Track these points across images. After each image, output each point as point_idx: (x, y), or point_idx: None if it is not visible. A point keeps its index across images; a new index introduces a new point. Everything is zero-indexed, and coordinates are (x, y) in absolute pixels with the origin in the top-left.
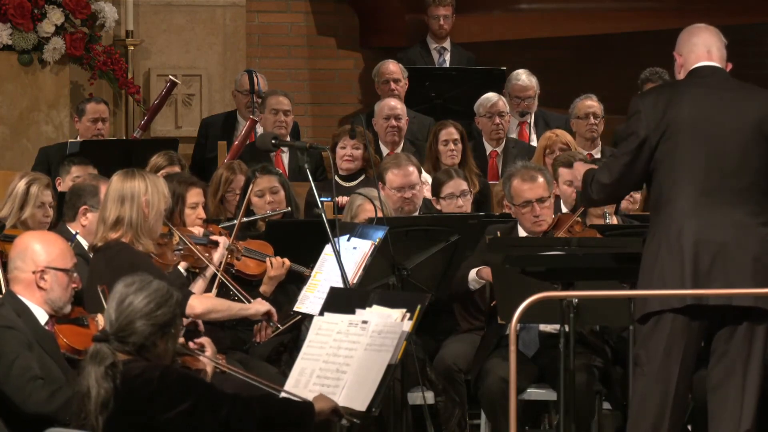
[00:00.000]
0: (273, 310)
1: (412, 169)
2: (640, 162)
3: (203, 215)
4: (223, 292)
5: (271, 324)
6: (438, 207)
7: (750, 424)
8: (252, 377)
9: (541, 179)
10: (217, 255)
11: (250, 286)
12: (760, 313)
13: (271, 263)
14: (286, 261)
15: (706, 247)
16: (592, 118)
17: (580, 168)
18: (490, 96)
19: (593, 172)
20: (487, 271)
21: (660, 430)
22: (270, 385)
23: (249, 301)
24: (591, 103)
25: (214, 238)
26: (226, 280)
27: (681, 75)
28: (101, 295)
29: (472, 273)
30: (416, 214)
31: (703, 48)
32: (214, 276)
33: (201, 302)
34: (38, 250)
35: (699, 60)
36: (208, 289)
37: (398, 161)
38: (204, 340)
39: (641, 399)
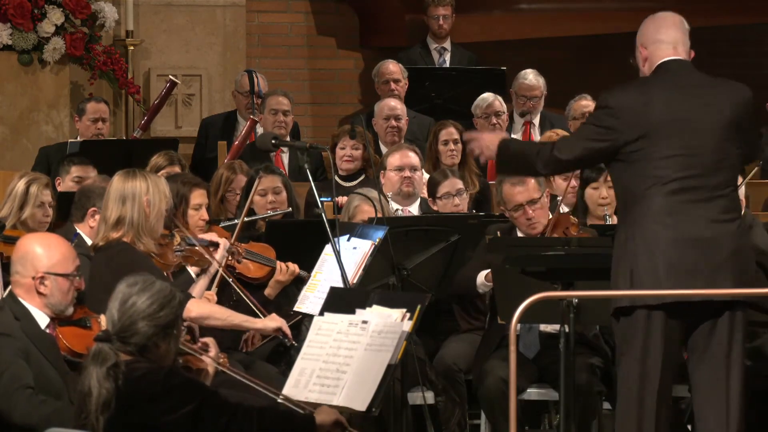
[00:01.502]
0: (285, 325)
1: (412, 154)
2: (603, 154)
3: (206, 217)
4: (226, 294)
5: (286, 341)
6: (435, 207)
7: (737, 423)
8: (252, 380)
9: (531, 181)
10: (218, 256)
11: (250, 288)
12: (739, 307)
13: (280, 268)
14: (296, 267)
15: (684, 245)
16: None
17: (487, 138)
18: (486, 96)
19: (537, 146)
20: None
21: (647, 427)
22: (268, 388)
23: (259, 309)
24: (586, 103)
25: (214, 239)
26: (235, 284)
27: (645, 67)
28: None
29: (481, 277)
30: (417, 202)
31: (668, 46)
32: (214, 278)
33: (198, 306)
34: (38, 255)
35: (665, 56)
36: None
37: (399, 146)
38: (208, 339)
39: (625, 398)
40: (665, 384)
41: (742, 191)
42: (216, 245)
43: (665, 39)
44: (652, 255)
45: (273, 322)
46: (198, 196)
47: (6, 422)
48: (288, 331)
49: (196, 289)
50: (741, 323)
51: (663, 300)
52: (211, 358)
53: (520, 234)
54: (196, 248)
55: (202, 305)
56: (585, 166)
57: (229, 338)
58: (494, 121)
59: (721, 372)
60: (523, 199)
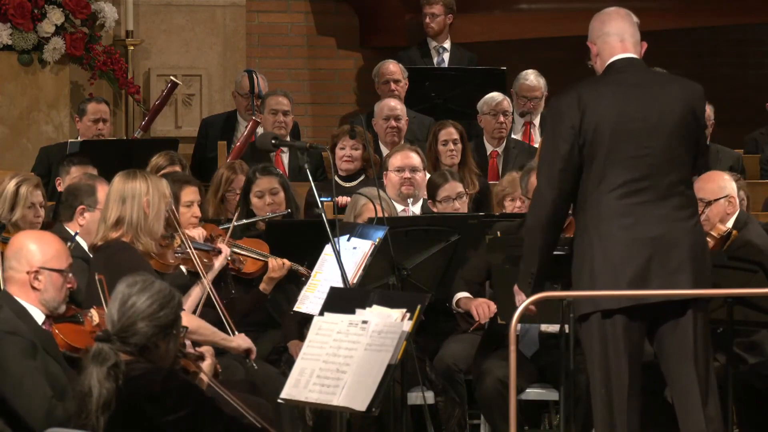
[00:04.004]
0: (254, 348)
1: (413, 154)
2: (576, 165)
3: (198, 214)
4: (224, 291)
5: (247, 361)
6: (434, 209)
7: (715, 416)
8: (238, 402)
9: None
10: (218, 264)
11: (244, 283)
12: (699, 302)
13: (273, 265)
14: (287, 262)
15: (639, 245)
16: None
17: (517, 294)
18: (495, 95)
19: (528, 215)
20: (465, 302)
21: (619, 425)
22: (252, 414)
23: (233, 332)
24: None
25: (218, 246)
26: (219, 305)
27: (597, 64)
28: (98, 285)
29: (456, 297)
30: (420, 202)
31: (616, 38)
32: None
33: (187, 319)
34: (33, 251)
35: (614, 53)
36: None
37: (401, 147)
38: (205, 348)
39: (597, 400)
40: (633, 383)
41: (733, 189)
42: (218, 252)
43: (611, 31)
44: (609, 257)
45: (244, 342)
46: (189, 194)
47: (21, 422)
48: (254, 353)
49: (189, 301)
50: (702, 320)
51: (622, 303)
52: (205, 373)
53: None
54: (200, 254)
55: (191, 319)
56: (574, 178)
57: None
58: (501, 119)
59: (691, 371)
60: None
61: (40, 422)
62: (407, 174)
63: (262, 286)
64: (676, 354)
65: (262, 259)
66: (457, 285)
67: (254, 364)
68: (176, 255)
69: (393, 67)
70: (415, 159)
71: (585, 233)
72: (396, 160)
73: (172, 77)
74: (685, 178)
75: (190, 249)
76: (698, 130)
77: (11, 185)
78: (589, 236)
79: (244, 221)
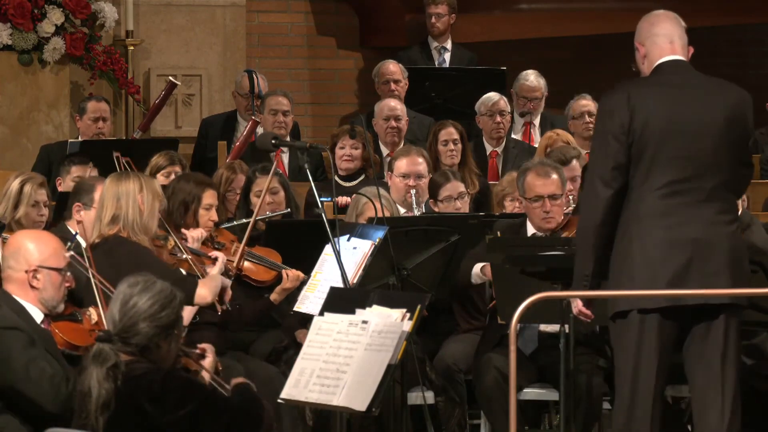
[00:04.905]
0: (229, 291)
1: (420, 160)
2: (626, 163)
3: (215, 217)
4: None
5: (222, 303)
6: (436, 209)
7: (734, 424)
8: None
9: (555, 176)
10: (216, 269)
11: (255, 291)
12: (734, 310)
13: (287, 275)
14: (301, 274)
15: (679, 246)
16: (587, 116)
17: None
18: (492, 95)
19: (580, 219)
20: (489, 270)
21: (640, 427)
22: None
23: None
24: (585, 102)
25: (213, 254)
26: (172, 234)
27: (644, 66)
28: (83, 253)
29: (476, 267)
30: (422, 207)
31: (665, 39)
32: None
33: (209, 289)
34: (31, 250)
35: (663, 54)
36: None
37: (408, 151)
38: (206, 346)
39: (620, 398)
40: (659, 385)
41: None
42: (214, 260)
43: (661, 32)
44: (648, 257)
45: (227, 282)
46: (210, 197)
47: (40, 412)
48: (228, 295)
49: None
50: (735, 326)
51: (659, 303)
52: (207, 370)
53: (530, 228)
54: (194, 258)
55: (210, 286)
56: (626, 176)
57: (229, 339)
58: (498, 119)
59: (717, 374)
60: (544, 192)
61: (51, 402)
62: (412, 182)
63: (273, 297)
64: (703, 358)
65: (276, 269)
66: (466, 264)
67: (228, 306)
68: (171, 255)
69: (393, 67)
70: (421, 166)
71: (626, 231)
72: (402, 165)
73: (170, 77)
74: (728, 182)
75: (184, 250)
76: (745, 136)
77: (15, 183)
78: (629, 234)
79: (244, 221)
